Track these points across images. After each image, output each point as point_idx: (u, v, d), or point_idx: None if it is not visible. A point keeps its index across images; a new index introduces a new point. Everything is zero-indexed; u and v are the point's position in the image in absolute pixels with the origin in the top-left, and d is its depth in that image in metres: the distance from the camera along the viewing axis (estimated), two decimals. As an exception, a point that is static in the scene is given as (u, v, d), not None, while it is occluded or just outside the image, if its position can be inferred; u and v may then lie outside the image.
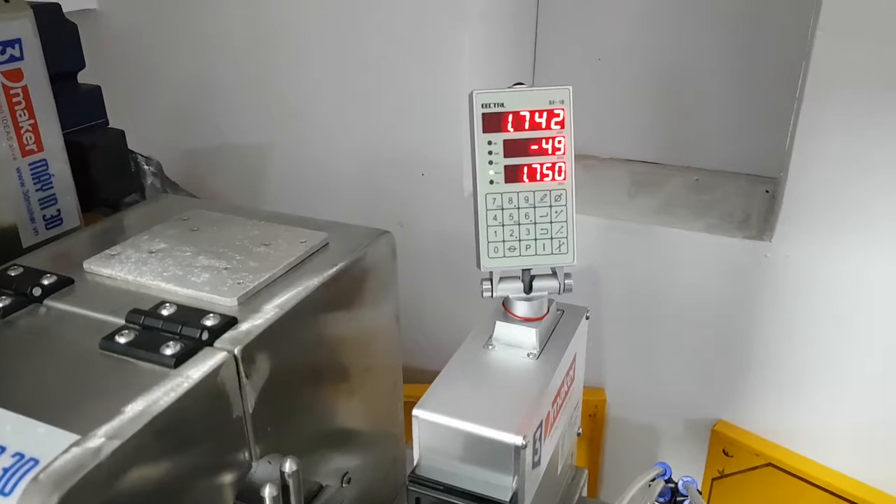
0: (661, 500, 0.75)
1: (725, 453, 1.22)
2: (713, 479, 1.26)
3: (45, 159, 0.85)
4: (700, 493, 0.79)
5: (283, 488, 0.62)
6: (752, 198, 1.27)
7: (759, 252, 1.09)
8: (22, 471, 0.44)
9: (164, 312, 0.60)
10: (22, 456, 0.45)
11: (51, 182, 0.86)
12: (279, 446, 0.63)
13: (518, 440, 0.55)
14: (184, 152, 1.58)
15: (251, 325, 0.59)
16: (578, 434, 0.80)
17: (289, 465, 0.61)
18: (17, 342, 0.59)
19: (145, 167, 1.23)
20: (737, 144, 1.36)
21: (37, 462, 0.45)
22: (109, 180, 0.97)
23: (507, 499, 0.56)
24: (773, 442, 1.18)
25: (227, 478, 0.59)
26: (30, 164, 0.84)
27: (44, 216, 0.86)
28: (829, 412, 1.14)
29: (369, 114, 1.37)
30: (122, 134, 0.99)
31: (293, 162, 1.49)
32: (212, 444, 0.56)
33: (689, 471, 1.27)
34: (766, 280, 1.10)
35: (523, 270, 0.65)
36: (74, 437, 0.46)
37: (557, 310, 0.71)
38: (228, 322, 0.59)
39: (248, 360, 0.57)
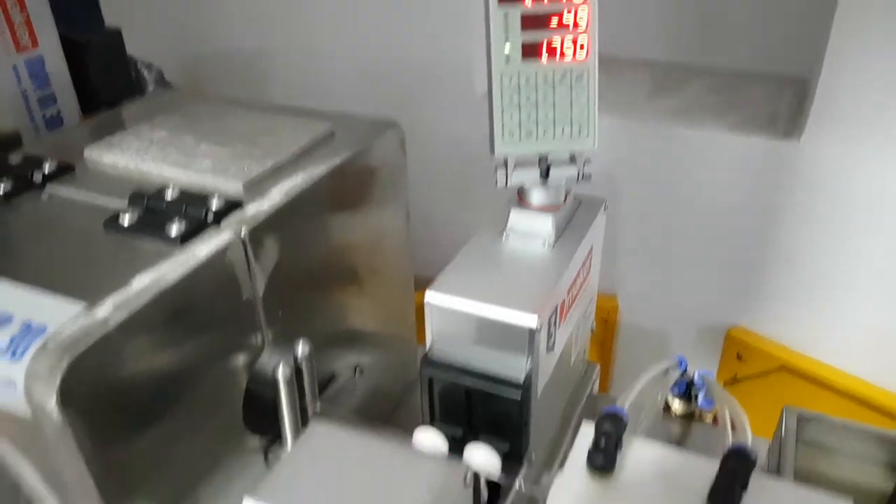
0: (676, 391, 0.75)
1: (739, 358, 1.22)
2: (725, 384, 1.27)
3: (41, 56, 0.83)
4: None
5: (296, 371, 0.62)
6: (778, 98, 1.22)
7: (786, 153, 1.05)
8: (30, 338, 0.44)
9: (168, 195, 0.58)
10: (30, 324, 0.45)
11: (48, 80, 0.84)
12: (291, 333, 0.62)
13: (533, 322, 0.54)
14: (184, 58, 1.53)
15: (257, 209, 0.58)
16: (592, 330, 0.79)
17: (301, 349, 0.61)
18: (19, 225, 0.58)
19: (146, 74, 1.19)
20: (763, 44, 1.30)
21: (44, 330, 0.44)
22: (108, 80, 0.94)
23: (521, 380, 0.55)
24: (787, 346, 1.17)
25: (240, 360, 0.59)
26: (25, 61, 0.81)
27: (44, 116, 0.84)
28: (846, 316, 1.12)
29: (374, 12, 1.31)
30: (118, 32, 0.96)
31: (295, 66, 1.44)
32: (223, 326, 0.56)
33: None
34: (791, 181, 1.07)
35: (540, 157, 0.62)
36: (81, 306, 0.46)
37: (574, 200, 0.69)
38: (234, 205, 0.58)
39: (256, 243, 0.56)
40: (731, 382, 1.26)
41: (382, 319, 0.83)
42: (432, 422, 0.61)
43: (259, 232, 0.56)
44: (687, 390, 0.75)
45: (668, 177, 1.18)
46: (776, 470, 0.69)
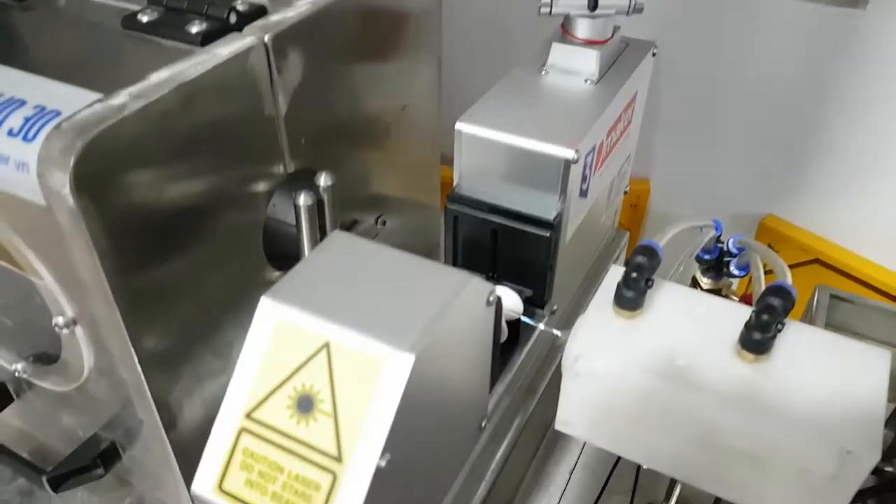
0: (708, 256, 0.72)
1: (771, 248, 1.18)
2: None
3: None
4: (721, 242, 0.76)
5: (318, 203, 0.60)
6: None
7: (850, 23, 0.97)
8: (44, 120, 0.42)
9: (192, -4, 0.54)
10: (43, 108, 0.43)
11: None
12: (314, 168, 0.60)
13: (570, 153, 0.51)
14: None
15: (282, 16, 0.54)
16: (625, 192, 0.76)
17: (324, 179, 0.59)
18: (35, 24, 0.55)
19: None
20: None
21: (58, 113, 0.42)
22: None
23: (552, 217, 0.53)
24: (822, 237, 1.13)
25: (261, 186, 0.57)
26: None
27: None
28: (885, 209, 1.07)
29: None
30: None
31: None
32: (244, 142, 0.53)
33: (730, 266, 1.25)
34: (851, 54, 0.99)
35: (590, -16, 0.57)
36: (97, 95, 0.43)
37: (621, 41, 0.64)
38: (259, 10, 0.54)
39: (279, 52, 0.53)
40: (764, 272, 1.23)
41: (408, 178, 0.80)
42: (455, 265, 0.60)
43: (283, 40, 0.53)
44: (720, 256, 0.72)
45: (719, 46, 1.11)
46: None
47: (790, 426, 0.40)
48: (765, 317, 0.41)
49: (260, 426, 0.36)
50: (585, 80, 0.59)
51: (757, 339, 0.42)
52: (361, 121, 0.68)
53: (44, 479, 0.56)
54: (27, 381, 0.61)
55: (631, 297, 0.45)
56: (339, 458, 0.34)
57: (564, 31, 0.60)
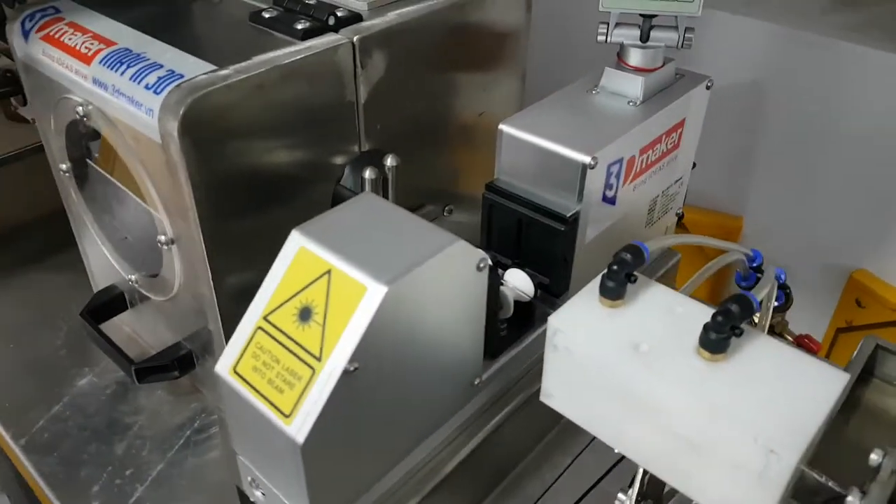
0: (744, 283, 0.75)
1: (858, 304, 1.16)
2: (839, 329, 1.21)
3: None
4: (786, 288, 0.78)
5: (384, 181, 0.71)
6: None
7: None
8: (171, 80, 0.55)
9: (307, 0, 0.67)
10: (173, 72, 0.56)
11: None
12: (385, 148, 0.70)
13: (586, 159, 0.58)
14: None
15: (373, 23, 0.65)
16: (678, 215, 0.81)
17: (391, 160, 0.69)
18: (191, 12, 0.70)
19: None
20: None
21: (182, 76, 0.55)
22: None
23: (567, 215, 0.60)
24: (913, 299, 1.10)
25: (337, 159, 0.68)
26: None
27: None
28: None
29: None
30: None
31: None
32: (325, 120, 0.64)
33: (815, 317, 1.23)
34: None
35: (644, 17, 0.64)
36: (213, 66, 0.56)
37: (677, 73, 0.70)
38: (354, 17, 0.65)
39: (365, 51, 0.64)
40: (846, 329, 1.20)
41: (478, 178, 0.89)
42: (488, 248, 0.68)
43: (369, 41, 0.64)
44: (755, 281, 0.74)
45: (823, 95, 1.11)
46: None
47: (728, 421, 0.44)
48: (719, 318, 0.46)
49: (271, 326, 0.46)
50: (629, 102, 0.65)
51: (712, 339, 0.47)
52: (437, 119, 0.78)
53: (132, 368, 0.70)
54: (138, 293, 0.75)
55: (612, 287, 0.51)
56: (319, 358, 0.43)
57: (618, 57, 0.67)
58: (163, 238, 0.62)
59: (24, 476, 0.73)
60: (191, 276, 0.64)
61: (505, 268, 0.65)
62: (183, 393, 0.78)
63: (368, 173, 0.67)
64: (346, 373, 0.42)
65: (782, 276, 0.71)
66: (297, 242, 0.47)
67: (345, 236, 0.47)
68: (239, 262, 0.62)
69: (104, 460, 0.71)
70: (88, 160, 0.70)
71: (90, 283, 0.86)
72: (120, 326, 0.84)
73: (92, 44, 0.60)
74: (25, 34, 0.65)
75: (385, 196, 0.71)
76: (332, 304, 0.44)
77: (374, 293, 0.43)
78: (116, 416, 0.76)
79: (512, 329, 0.64)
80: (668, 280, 0.85)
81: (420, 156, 0.77)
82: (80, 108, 0.61)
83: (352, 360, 0.43)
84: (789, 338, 0.86)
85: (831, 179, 1.15)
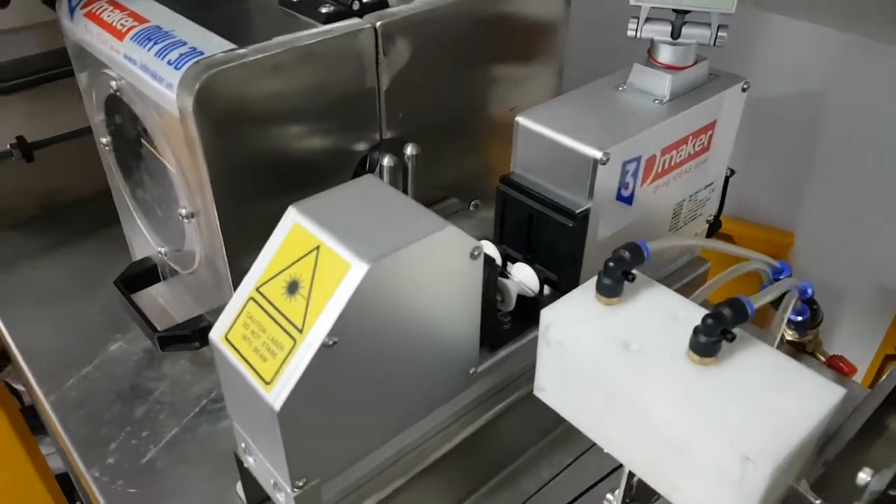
0: (801, 318, 0.73)
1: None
2: (887, 356, 1.15)
3: None
4: (813, 304, 0.74)
5: (403, 169, 0.71)
6: None
7: None
8: (192, 57, 0.57)
9: (338, -11, 0.68)
10: (195, 49, 0.58)
11: None
12: (407, 137, 0.70)
13: (597, 154, 0.57)
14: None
15: (398, 9, 0.66)
16: (709, 221, 0.78)
17: (410, 149, 0.70)
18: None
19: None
20: None
21: (202, 53, 0.57)
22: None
23: (577, 211, 0.59)
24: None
25: (355, 145, 0.68)
26: None
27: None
28: None
29: None
30: None
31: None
32: (344, 105, 0.65)
33: (863, 342, 1.17)
34: None
35: (676, 12, 0.62)
36: (234, 45, 0.58)
37: (711, 73, 0.68)
38: (381, 3, 0.66)
39: (387, 37, 0.64)
40: (894, 356, 1.14)
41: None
42: (502, 241, 0.67)
43: (392, 28, 0.64)
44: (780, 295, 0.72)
45: (886, 107, 1.05)
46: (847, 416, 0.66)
47: (708, 425, 0.43)
48: (709, 321, 0.45)
49: (262, 297, 0.47)
50: (654, 100, 0.64)
51: (701, 342, 0.45)
52: (464, 111, 0.78)
53: (155, 336, 0.72)
54: (168, 265, 0.78)
55: (608, 284, 0.50)
56: (301, 330, 0.44)
57: (648, 54, 0.65)
58: (183, 212, 0.64)
59: (52, 429, 0.77)
60: (209, 251, 0.66)
61: (514, 262, 0.65)
62: (205, 364, 0.81)
63: (387, 161, 0.68)
64: (324, 346, 0.43)
65: (808, 291, 0.68)
66: (292, 218, 0.48)
67: (338, 215, 0.48)
68: (254, 241, 0.63)
69: (124, 420, 0.75)
70: (124, 134, 0.73)
71: (131, 256, 0.90)
72: (155, 298, 0.88)
73: (126, 21, 0.63)
74: (71, 11, 0.69)
75: (404, 185, 0.72)
76: (317, 279, 0.45)
77: (356, 270, 0.43)
78: (141, 381, 0.79)
79: (517, 323, 0.63)
80: (694, 290, 0.83)
81: (445, 148, 0.77)
82: (114, 82, 0.64)
83: (331, 333, 0.43)
84: (822, 358, 0.82)
85: (889, 197, 1.10)
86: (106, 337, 0.85)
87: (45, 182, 1.08)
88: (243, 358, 0.46)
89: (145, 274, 0.83)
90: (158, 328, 0.80)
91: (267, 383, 0.44)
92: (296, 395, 0.43)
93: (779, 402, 0.44)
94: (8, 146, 0.99)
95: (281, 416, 0.44)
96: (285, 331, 0.45)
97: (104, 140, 0.76)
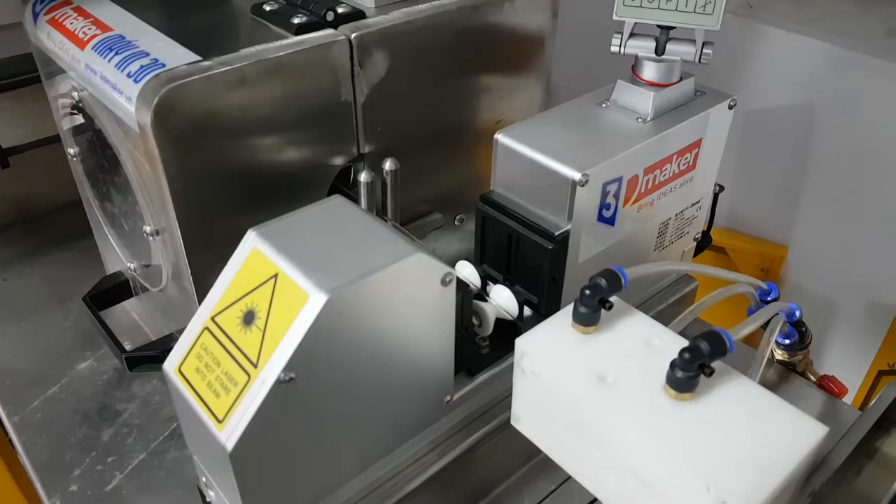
0: (788, 341, 0.71)
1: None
2: (881, 372, 1.13)
3: None
4: (801, 326, 0.72)
5: (382, 185, 0.69)
6: None
7: None
8: (153, 69, 0.54)
9: (310, -3, 0.66)
10: (157, 60, 0.55)
11: None
12: (389, 152, 0.67)
13: (576, 175, 0.54)
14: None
15: (375, 20, 0.63)
16: (696, 239, 0.76)
17: (389, 164, 0.67)
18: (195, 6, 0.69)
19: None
20: None
21: (164, 66, 0.54)
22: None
23: (556, 233, 0.56)
24: (963, 348, 1.01)
25: (331, 160, 0.66)
26: None
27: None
28: None
29: None
30: None
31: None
32: (318, 119, 0.62)
33: (857, 358, 1.15)
34: None
35: (661, 28, 0.60)
36: (197, 57, 0.55)
37: (697, 90, 0.65)
38: (357, 14, 0.63)
39: (363, 49, 0.62)
40: (888, 372, 1.12)
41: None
42: (482, 261, 0.65)
43: (368, 40, 0.62)
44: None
45: (881, 123, 1.03)
46: (837, 436, 0.64)
47: (683, 465, 0.40)
48: (686, 355, 0.42)
49: (217, 328, 0.45)
50: (637, 118, 0.61)
51: (678, 377, 0.43)
52: (448, 125, 0.75)
53: (123, 356, 0.70)
54: (140, 282, 0.76)
55: (584, 313, 0.48)
56: (256, 365, 0.42)
57: (633, 70, 0.63)
58: (147, 229, 0.62)
59: (13, 453, 0.74)
60: (175, 269, 0.64)
61: (494, 283, 0.62)
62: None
63: (364, 176, 0.65)
64: (279, 382, 0.41)
65: (797, 313, 0.66)
66: (251, 242, 0.46)
67: (299, 240, 0.45)
68: (222, 261, 0.61)
69: (90, 445, 0.72)
70: (90, 146, 0.71)
71: (105, 269, 0.87)
72: (129, 312, 0.85)
73: (89, 29, 0.60)
74: (35, 16, 0.66)
75: (383, 201, 0.69)
76: (274, 310, 0.42)
77: (314, 301, 0.41)
78: (109, 403, 0.77)
79: (496, 348, 0.61)
80: (683, 308, 0.80)
81: (428, 161, 0.75)
82: (76, 93, 0.62)
83: (287, 369, 0.41)
84: (812, 378, 0.80)
85: (883, 212, 1.07)
86: (75, 354, 0.82)
87: (22, 188, 1.05)
88: (196, 393, 0.44)
89: (117, 289, 0.81)
90: (132, 344, 0.78)
91: (219, 421, 0.42)
92: (249, 435, 0.41)
93: (759, 440, 0.42)
94: (-19, 152, 0.96)
95: (233, 456, 0.41)
96: (240, 365, 0.42)
97: (72, 151, 0.73)
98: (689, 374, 0.43)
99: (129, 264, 0.74)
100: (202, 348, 0.45)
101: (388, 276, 0.43)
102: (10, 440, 0.77)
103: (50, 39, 0.64)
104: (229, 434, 0.41)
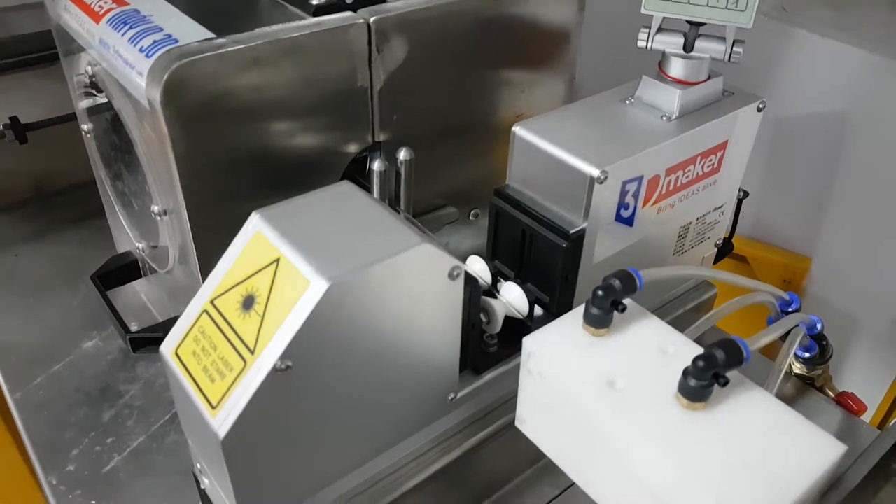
0: (808, 354, 0.69)
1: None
2: (901, 392, 1.10)
3: None
4: (822, 339, 0.70)
5: (396, 175, 0.67)
6: None
7: None
8: (165, 45, 0.53)
9: (331, -23, 0.64)
10: (170, 36, 0.54)
11: None
12: (404, 141, 0.66)
13: (594, 172, 0.52)
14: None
15: (395, 5, 0.62)
16: (717, 246, 0.73)
17: (403, 153, 0.66)
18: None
19: None
20: None
21: (176, 41, 0.53)
22: None
23: (570, 231, 0.55)
24: None
25: (345, 147, 0.64)
26: None
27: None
28: None
29: None
30: None
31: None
32: (333, 103, 0.61)
33: (877, 375, 1.12)
34: None
35: (690, 24, 0.58)
36: (211, 34, 0.54)
37: (725, 91, 0.63)
38: (377, -2, 0.62)
39: (382, 34, 0.60)
40: (909, 392, 1.08)
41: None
42: (494, 256, 0.63)
43: (387, 24, 0.60)
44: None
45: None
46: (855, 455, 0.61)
47: (693, 479, 0.39)
48: (700, 363, 0.40)
49: (216, 311, 0.43)
50: (662, 116, 0.59)
51: (691, 386, 0.41)
52: (466, 117, 0.73)
53: (127, 337, 0.69)
54: (148, 263, 0.75)
55: (596, 314, 0.46)
56: (252, 351, 0.40)
57: (659, 67, 0.61)
58: (155, 209, 0.61)
59: (14, 429, 0.74)
60: (181, 251, 0.63)
61: (507, 280, 0.61)
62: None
63: (377, 165, 0.64)
64: (275, 370, 0.39)
65: (818, 326, 0.63)
66: (254, 225, 0.44)
67: (304, 225, 0.44)
68: (229, 244, 0.60)
69: (89, 425, 0.71)
70: (103, 122, 0.70)
71: (115, 248, 0.87)
72: (139, 294, 0.85)
73: (105, 3, 0.59)
74: (53, -9, 0.66)
75: (396, 191, 0.68)
76: (274, 296, 0.41)
77: (315, 288, 0.39)
78: (111, 383, 0.76)
79: (504, 346, 0.59)
80: (700, 315, 0.78)
81: (444, 154, 0.73)
82: (90, 67, 0.61)
83: (283, 357, 0.39)
84: (831, 394, 0.78)
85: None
86: (81, 333, 0.82)
87: (40, 164, 1.05)
88: (191, 377, 0.42)
89: (126, 269, 0.80)
90: (139, 325, 0.77)
91: (213, 407, 0.40)
92: (242, 423, 0.40)
93: (773, 455, 0.40)
94: (0, 126, 0.96)
95: (225, 444, 0.40)
96: (237, 350, 0.41)
97: (85, 127, 0.73)
98: (702, 383, 0.41)
99: (138, 244, 0.73)
100: (200, 331, 0.43)
101: (393, 266, 0.42)
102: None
103: (68, 13, 0.64)
104: (222, 421, 0.40)
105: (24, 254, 0.95)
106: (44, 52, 0.97)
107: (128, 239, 0.78)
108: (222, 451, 0.40)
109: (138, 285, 0.84)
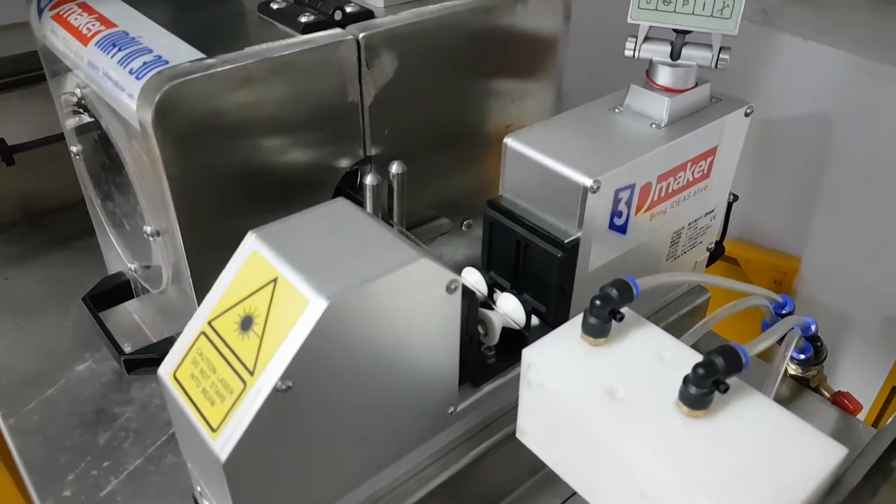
0: (804, 356, 0.69)
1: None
2: (894, 387, 1.10)
3: None
4: (817, 341, 0.70)
5: (388, 188, 0.67)
6: None
7: None
8: (155, 66, 0.53)
9: (318, -5, 0.64)
10: (160, 57, 0.54)
11: None
12: (396, 155, 0.66)
13: (587, 181, 0.53)
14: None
15: (384, 21, 0.62)
16: (709, 249, 0.74)
17: (395, 167, 0.66)
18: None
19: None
20: None
21: (167, 63, 0.53)
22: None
23: (565, 241, 0.55)
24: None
25: (337, 162, 0.64)
26: None
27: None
28: None
29: None
30: None
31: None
32: (324, 120, 0.61)
33: (869, 373, 1.13)
34: None
35: (676, 32, 0.58)
36: (201, 55, 0.54)
37: (713, 97, 0.63)
38: (365, 13, 0.62)
39: (371, 50, 0.61)
40: (900, 390, 1.10)
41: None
42: (489, 268, 0.63)
43: (377, 40, 0.60)
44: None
45: (896, 134, 1.01)
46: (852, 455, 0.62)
47: (695, 487, 0.39)
48: (700, 371, 0.40)
49: (214, 333, 0.43)
50: (651, 124, 0.60)
51: (692, 394, 0.41)
52: (457, 129, 0.73)
53: (122, 358, 0.68)
54: (141, 283, 0.75)
55: (594, 324, 0.46)
56: (252, 372, 0.40)
57: (647, 75, 0.61)
58: (148, 229, 0.60)
59: (7, 455, 0.73)
60: (175, 271, 0.62)
61: (503, 291, 0.61)
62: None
63: (369, 180, 0.64)
64: (276, 391, 0.39)
65: (812, 328, 0.64)
66: (250, 245, 0.44)
67: (300, 244, 0.44)
68: (223, 264, 0.60)
69: (85, 448, 0.70)
70: (92, 144, 0.70)
71: (106, 269, 0.86)
72: (131, 314, 0.84)
73: (93, 25, 0.59)
74: (40, 12, 0.65)
75: (389, 205, 0.68)
76: (272, 316, 0.41)
77: (314, 307, 0.39)
78: (106, 405, 0.75)
79: (502, 357, 0.59)
80: (694, 319, 0.79)
81: (436, 165, 0.73)
82: (78, 89, 0.61)
83: (284, 377, 0.39)
84: (826, 394, 0.78)
85: (900, 225, 1.05)
86: (74, 355, 0.81)
87: (28, 185, 1.04)
88: (190, 399, 0.42)
89: (118, 289, 0.80)
90: (133, 346, 0.77)
91: (213, 430, 0.40)
92: (244, 445, 0.39)
93: (775, 461, 0.40)
94: (-14, 148, 0.95)
95: (227, 467, 0.39)
96: (236, 372, 0.41)
97: (74, 149, 0.72)
98: (702, 390, 0.41)
99: (129, 265, 0.73)
100: (198, 353, 0.43)
101: (391, 282, 0.42)
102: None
103: (54, 35, 0.63)
104: (223, 444, 0.40)
105: (14, 276, 0.95)
106: (29, 72, 0.97)
107: (118, 259, 0.78)
108: (224, 474, 0.40)
109: (130, 305, 0.83)
